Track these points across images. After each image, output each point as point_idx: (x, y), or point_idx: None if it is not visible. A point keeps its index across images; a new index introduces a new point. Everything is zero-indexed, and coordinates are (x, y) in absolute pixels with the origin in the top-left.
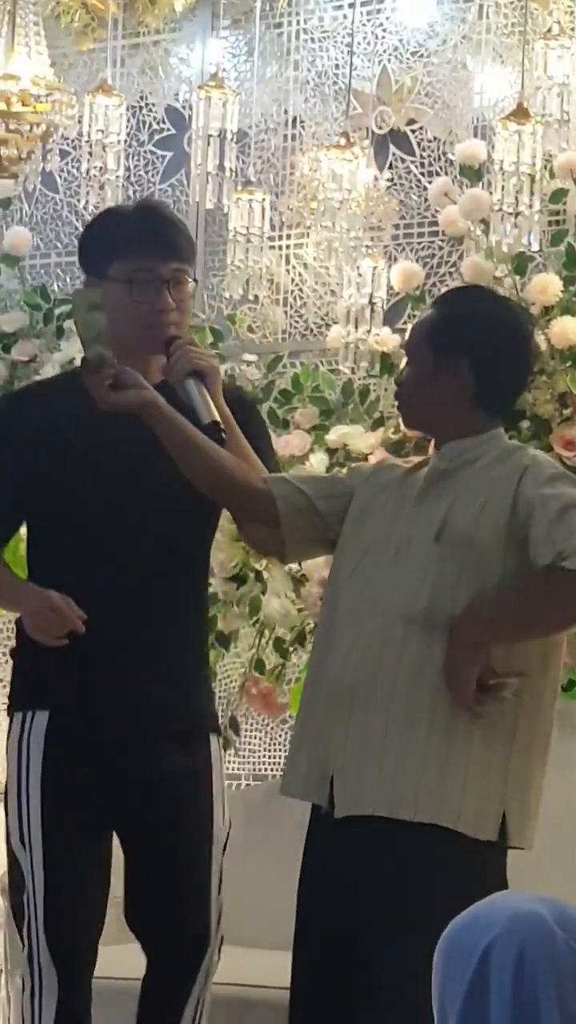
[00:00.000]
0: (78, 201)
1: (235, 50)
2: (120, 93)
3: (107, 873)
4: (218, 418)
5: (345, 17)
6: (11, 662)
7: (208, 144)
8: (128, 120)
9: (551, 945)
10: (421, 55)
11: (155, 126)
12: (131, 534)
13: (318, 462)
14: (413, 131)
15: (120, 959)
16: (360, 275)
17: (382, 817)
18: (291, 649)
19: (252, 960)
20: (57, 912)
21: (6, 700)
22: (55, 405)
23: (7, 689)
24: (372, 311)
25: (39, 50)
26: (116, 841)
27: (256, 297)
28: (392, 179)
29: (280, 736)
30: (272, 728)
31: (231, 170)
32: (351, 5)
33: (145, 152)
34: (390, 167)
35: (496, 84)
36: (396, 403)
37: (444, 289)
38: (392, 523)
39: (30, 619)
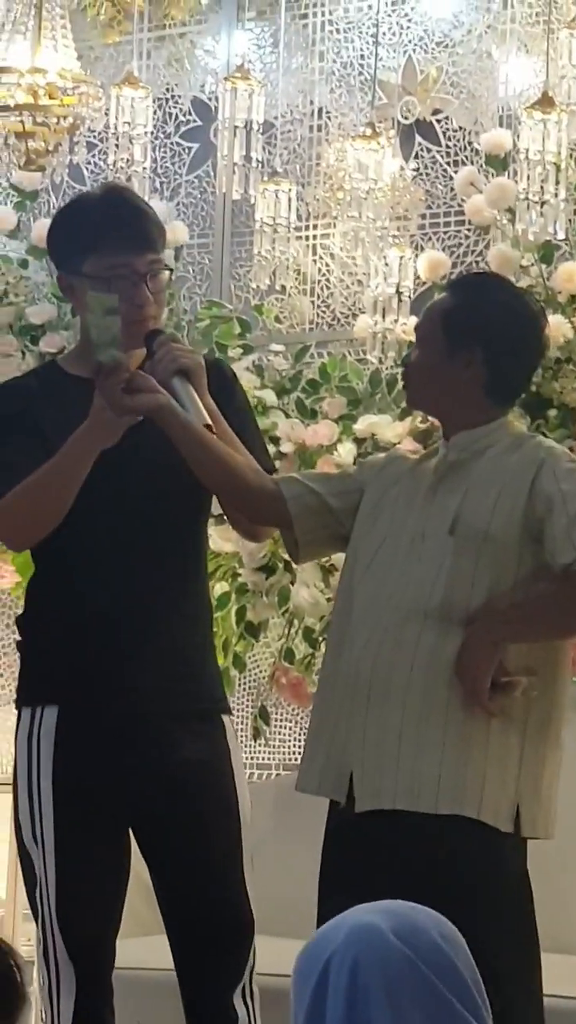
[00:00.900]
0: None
1: (261, 41)
2: (146, 85)
3: (124, 868)
4: (208, 420)
5: (370, 8)
6: (17, 655)
7: (234, 135)
8: (154, 112)
9: (385, 955)
10: (446, 45)
11: (181, 118)
12: (127, 521)
13: (346, 452)
14: (439, 121)
15: (142, 950)
16: (387, 265)
17: (403, 810)
18: (320, 639)
19: (283, 950)
20: (71, 909)
21: (13, 693)
22: (41, 397)
23: (13, 682)
24: (399, 300)
25: (65, 43)
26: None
27: (283, 287)
28: (418, 169)
29: None
30: (302, 718)
31: (257, 161)
32: None
33: (172, 144)
34: (416, 157)
35: (521, 73)
36: (402, 382)
37: (466, 274)
38: (405, 516)
39: (102, 432)
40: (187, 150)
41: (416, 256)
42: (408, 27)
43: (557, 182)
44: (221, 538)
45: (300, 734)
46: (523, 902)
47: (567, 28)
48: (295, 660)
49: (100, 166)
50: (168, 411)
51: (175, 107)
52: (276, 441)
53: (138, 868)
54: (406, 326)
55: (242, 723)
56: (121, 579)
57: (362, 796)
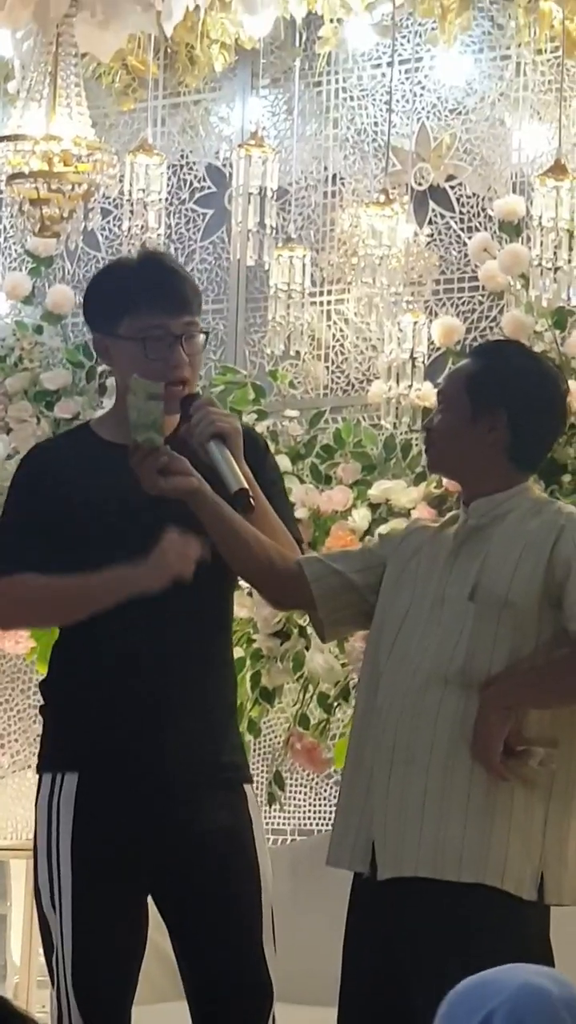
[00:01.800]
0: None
1: (275, 108)
2: (161, 152)
3: (142, 936)
4: (245, 484)
5: (383, 75)
6: (31, 721)
7: (248, 202)
8: (169, 178)
9: (552, 1021)
10: (459, 112)
11: (196, 184)
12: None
13: (361, 517)
14: (452, 187)
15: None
16: (401, 330)
17: (425, 878)
18: (335, 704)
19: (299, 1016)
20: (87, 976)
21: (27, 758)
22: (73, 462)
23: (35, 746)
24: (413, 366)
25: (80, 111)
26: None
27: (298, 353)
28: (432, 235)
29: (325, 791)
30: (317, 783)
31: (272, 227)
32: (389, 64)
33: (186, 210)
34: (430, 223)
35: (534, 140)
36: (424, 447)
37: (490, 340)
38: (426, 583)
39: (149, 579)
40: (201, 216)
41: (430, 322)
42: (421, 94)
43: (570, 248)
44: (236, 604)
45: (315, 800)
46: None
47: None
48: (310, 725)
49: (115, 232)
50: (200, 495)
51: (189, 173)
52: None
53: (154, 935)
54: (420, 391)
55: (257, 788)
56: (146, 647)
57: (384, 864)
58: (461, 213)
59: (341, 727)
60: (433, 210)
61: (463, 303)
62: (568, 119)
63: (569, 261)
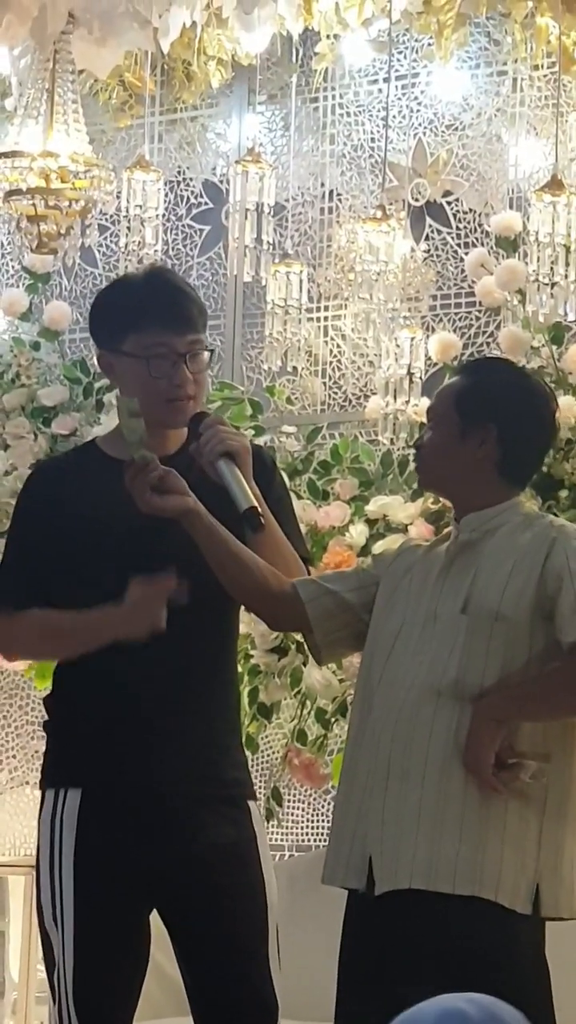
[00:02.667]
0: (117, 275)
1: (271, 125)
2: (158, 168)
3: (144, 952)
4: (255, 502)
5: (380, 91)
6: (30, 737)
7: (245, 217)
8: (166, 195)
9: None
10: (456, 128)
11: (193, 200)
12: None
13: (358, 533)
14: (449, 203)
15: None
16: (398, 346)
17: (420, 891)
18: (333, 720)
19: None
20: (88, 992)
21: (26, 775)
22: (78, 480)
23: (33, 762)
24: (410, 382)
25: (77, 127)
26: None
27: (295, 368)
28: (429, 250)
29: (323, 806)
30: (315, 798)
31: (269, 243)
32: (386, 80)
33: (183, 226)
34: (426, 238)
35: (530, 156)
36: (415, 464)
37: (477, 358)
38: (418, 600)
39: (127, 630)
40: (198, 232)
41: (427, 337)
42: (418, 110)
43: (567, 264)
44: None
45: (313, 815)
46: (540, 983)
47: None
48: (307, 741)
49: (112, 249)
50: (195, 514)
51: (186, 190)
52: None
53: (153, 952)
54: (417, 407)
55: None
56: (150, 663)
57: (381, 878)
58: (458, 229)
59: (339, 743)
60: (430, 226)
61: (460, 319)
62: (564, 134)
63: (566, 276)
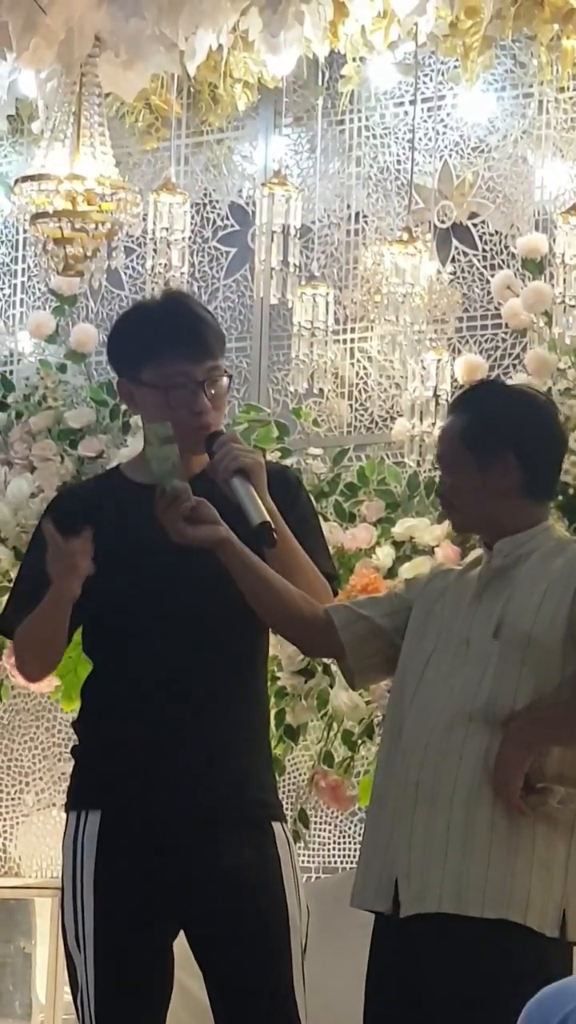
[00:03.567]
0: (143, 298)
1: (298, 147)
2: (184, 191)
3: (167, 974)
4: (267, 518)
5: (406, 114)
6: (57, 759)
7: (272, 240)
8: (192, 217)
9: None
10: (482, 150)
11: (219, 222)
12: (178, 627)
13: (384, 555)
14: (475, 225)
15: None
16: (424, 368)
17: (448, 914)
18: (360, 742)
19: None
20: (110, 1014)
21: (52, 796)
22: (102, 506)
23: (60, 784)
24: (437, 404)
25: (104, 150)
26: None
27: (321, 391)
28: (455, 272)
29: (350, 828)
30: (341, 821)
31: (295, 265)
32: (412, 102)
33: (209, 248)
34: (453, 260)
35: (557, 178)
36: (445, 513)
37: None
38: (451, 625)
39: (59, 584)
40: (225, 255)
41: (453, 359)
42: (444, 132)
43: None
44: None
45: (340, 837)
46: None
47: None
48: (334, 763)
49: (138, 271)
50: (228, 543)
51: (213, 212)
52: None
53: (181, 976)
54: None
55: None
56: (174, 685)
57: (407, 900)
58: (484, 251)
59: (365, 764)
60: (456, 248)
61: (486, 340)
62: None
63: None
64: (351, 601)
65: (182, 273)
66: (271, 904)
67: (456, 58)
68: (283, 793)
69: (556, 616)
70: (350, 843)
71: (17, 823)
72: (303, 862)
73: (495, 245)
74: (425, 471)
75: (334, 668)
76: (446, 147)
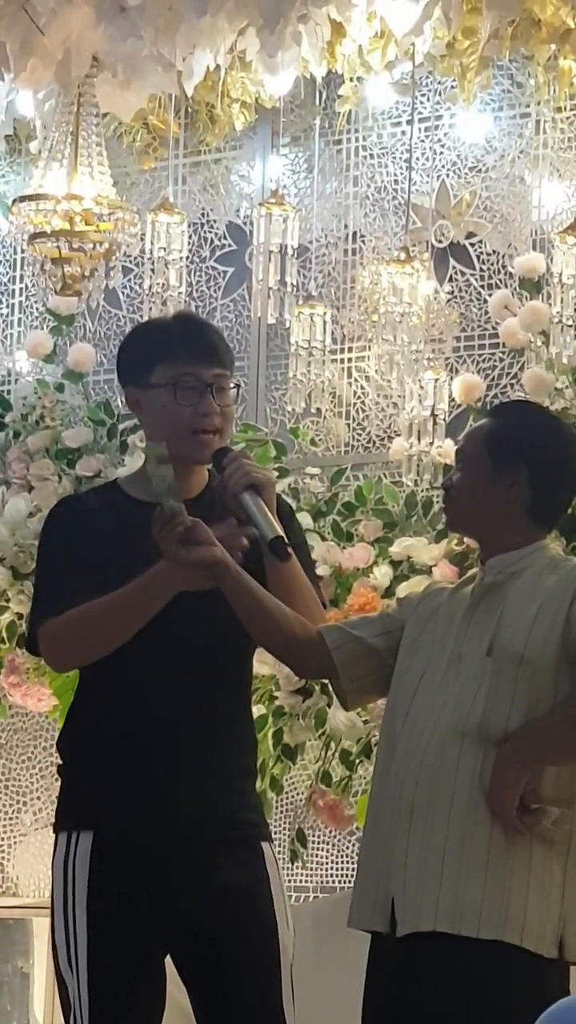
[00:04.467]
0: (141, 317)
1: (295, 167)
2: (181, 211)
3: (159, 994)
4: (280, 532)
5: (403, 133)
6: (55, 779)
7: (269, 259)
8: (190, 237)
9: None
10: (479, 170)
11: (216, 242)
12: (171, 649)
13: (382, 575)
14: (472, 244)
15: None
16: (422, 387)
17: (444, 934)
18: (357, 761)
19: None
20: None
21: (50, 816)
22: (99, 520)
23: (51, 805)
24: (434, 423)
25: (101, 170)
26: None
27: (319, 410)
28: (452, 292)
29: (347, 848)
30: (339, 840)
31: (292, 285)
32: (409, 122)
33: (207, 268)
34: (450, 280)
35: (554, 197)
36: (444, 505)
37: (506, 401)
38: (443, 642)
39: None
40: (222, 274)
41: (451, 379)
42: (441, 152)
43: None
44: (258, 661)
45: (338, 857)
46: None
47: None
48: (332, 783)
49: (136, 291)
50: (223, 565)
51: (210, 231)
52: (314, 566)
53: (173, 991)
54: (441, 449)
55: (279, 846)
56: (162, 706)
57: (403, 920)
58: (481, 270)
59: (363, 784)
60: (453, 267)
61: (484, 360)
62: None
63: None
64: (344, 622)
65: (180, 293)
66: (262, 924)
67: (453, 78)
68: (281, 812)
69: (549, 636)
70: (348, 863)
71: (15, 842)
72: (301, 881)
73: (492, 265)
74: (423, 491)
75: (332, 687)
76: (443, 167)
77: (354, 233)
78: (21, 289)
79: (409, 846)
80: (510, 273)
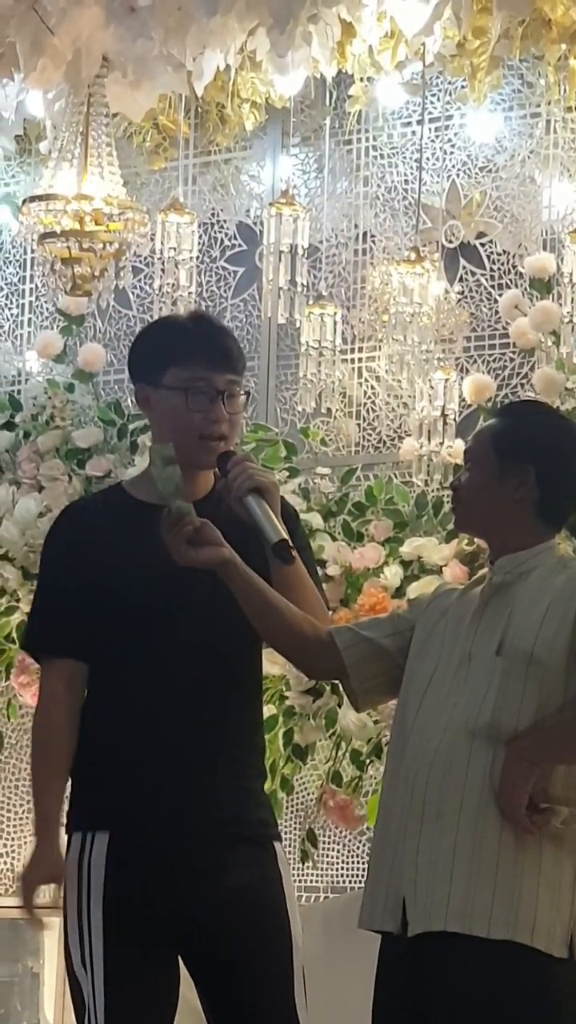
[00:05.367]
0: (151, 317)
1: (305, 167)
2: (192, 211)
3: (174, 993)
4: (285, 535)
5: (414, 134)
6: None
7: (279, 259)
8: (200, 237)
9: None
10: (489, 170)
11: (227, 242)
12: (184, 648)
13: (392, 574)
14: (483, 244)
15: None
16: (432, 387)
17: (455, 934)
18: (368, 761)
19: None
20: None
21: (65, 817)
22: (104, 524)
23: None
24: (444, 423)
25: (112, 170)
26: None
27: (329, 410)
28: (462, 292)
29: (358, 848)
30: (350, 840)
31: (302, 285)
32: (419, 122)
33: (217, 268)
34: (460, 280)
35: (564, 197)
36: (452, 506)
37: (512, 401)
38: (453, 643)
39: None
40: (232, 274)
41: (461, 379)
42: (452, 152)
43: None
44: (268, 661)
45: (348, 857)
46: None
47: None
48: (343, 782)
49: (146, 291)
50: (231, 565)
51: (220, 232)
52: (323, 564)
53: (187, 993)
54: (452, 449)
55: (290, 846)
56: (171, 707)
57: (414, 919)
58: (492, 270)
59: (374, 784)
60: (464, 267)
61: (494, 360)
62: None
63: None
64: (354, 623)
65: (190, 293)
66: (275, 923)
67: (464, 78)
68: (291, 812)
69: (558, 635)
70: (358, 863)
71: (25, 842)
72: (311, 881)
73: (503, 265)
74: (433, 491)
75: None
76: (454, 167)
77: (364, 233)
78: (31, 289)
79: (420, 846)
80: (520, 273)
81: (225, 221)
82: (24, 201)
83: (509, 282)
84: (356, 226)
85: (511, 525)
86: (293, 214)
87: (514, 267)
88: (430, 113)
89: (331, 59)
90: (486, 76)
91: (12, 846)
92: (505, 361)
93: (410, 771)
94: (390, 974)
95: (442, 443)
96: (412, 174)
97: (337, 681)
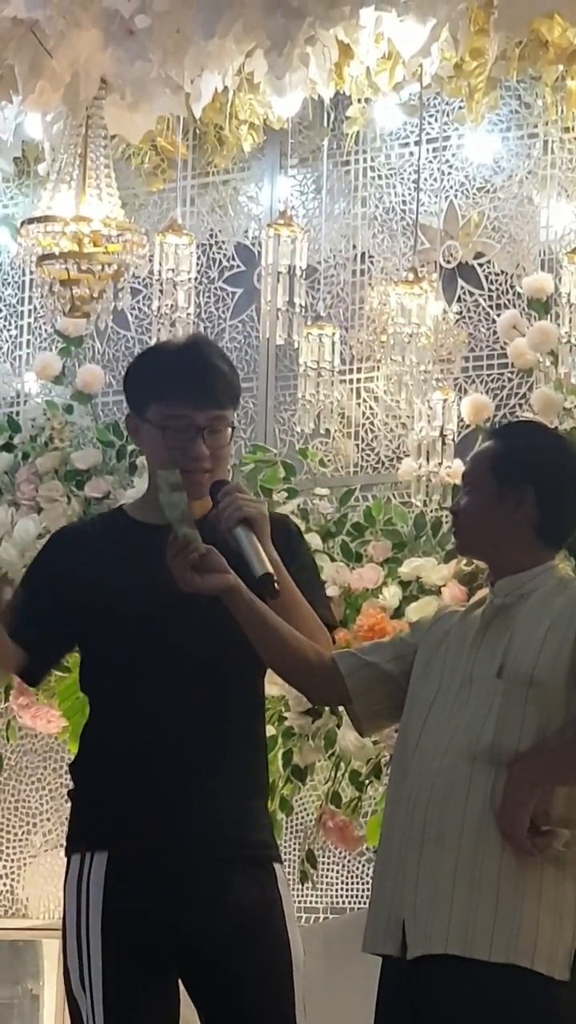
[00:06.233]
0: (149, 339)
1: (303, 188)
2: (190, 232)
3: (174, 1015)
4: (271, 570)
5: (411, 154)
6: (64, 800)
7: (278, 280)
8: (198, 258)
9: None
10: (487, 190)
11: (225, 263)
12: (184, 669)
13: (391, 595)
14: (481, 265)
15: None
16: (430, 408)
17: (455, 956)
18: (367, 782)
19: None
20: None
21: (60, 837)
22: (103, 545)
23: (60, 826)
24: (443, 443)
25: (110, 192)
26: None
27: (327, 431)
28: (461, 312)
29: (357, 869)
30: (349, 861)
31: (301, 305)
32: (417, 143)
33: (215, 289)
34: (458, 300)
35: (562, 218)
36: (453, 530)
37: (507, 422)
38: (454, 665)
39: None
40: (231, 295)
41: (459, 399)
42: (449, 173)
43: None
44: (267, 681)
45: (347, 877)
46: None
47: None
48: (342, 803)
49: (144, 312)
50: (236, 592)
51: (219, 253)
52: (321, 585)
53: (188, 1014)
54: (450, 469)
55: (289, 866)
56: (171, 727)
57: (414, 941)
58: (490, 290)
59: (373, 805)
60: (462, 288)
61: (492, 380)
62: None
63: None
64: (356, 648)
65: (188, 314)
66: (276, 944)
67: (461, 99)
68: (290, 833)
69: (559, 656)
70: (358, 883)
71: (25, 864)
72: (311, 902)
73: (501, 285)
74: (432, 511)
75: (341, 708)
76: (451, 187)
77: (362, 254)
78: (30, 311)
79: (420, 868)
80: (518, 293)
81: (223, 242)
82: (23, 223)
83: (507, 302)
84: (354, 247)
85: (511, 547)
86: (291, 235)
87: (512, 287)
88: (428, 134)
89: (329, 80)
90: (483, 97)
91: (12, 867)
92: (503, 381)
93: (411, 793)
94: (391, 996)
95: (440, 463)
96: (410, 195)
97: (341, 706)
